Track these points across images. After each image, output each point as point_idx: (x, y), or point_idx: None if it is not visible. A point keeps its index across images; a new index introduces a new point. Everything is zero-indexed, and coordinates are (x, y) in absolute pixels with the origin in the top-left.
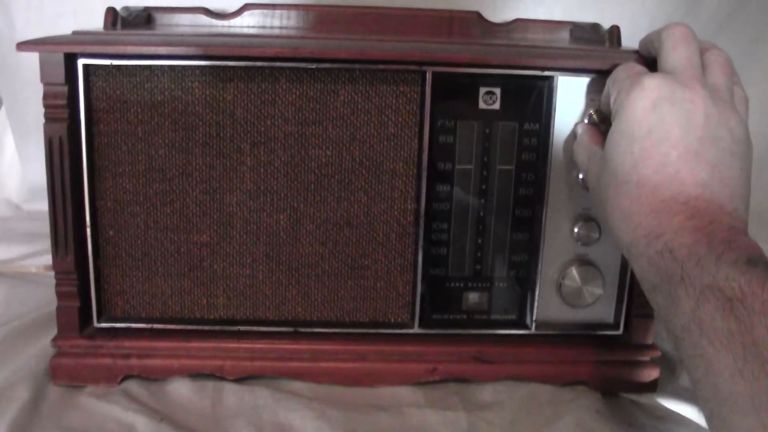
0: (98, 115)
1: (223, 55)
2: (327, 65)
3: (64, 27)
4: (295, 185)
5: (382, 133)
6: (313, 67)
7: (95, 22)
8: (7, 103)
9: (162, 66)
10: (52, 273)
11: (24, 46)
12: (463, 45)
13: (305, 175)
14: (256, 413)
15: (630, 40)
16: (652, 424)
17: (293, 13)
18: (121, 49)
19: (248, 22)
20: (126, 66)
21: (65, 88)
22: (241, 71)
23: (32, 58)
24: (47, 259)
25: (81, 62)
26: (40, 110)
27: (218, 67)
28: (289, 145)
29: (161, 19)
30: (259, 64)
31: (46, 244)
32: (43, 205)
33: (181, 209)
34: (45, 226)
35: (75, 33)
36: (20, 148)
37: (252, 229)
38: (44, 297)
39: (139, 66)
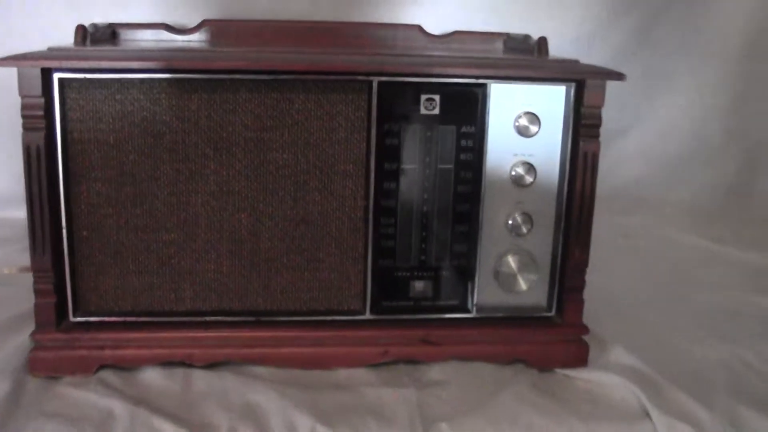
0: (72, 124)
1: (189, 69)
2: (283, 76)
3: (32, 42)
4: (255, 186)
5: (334, 138)
6: (270, 78)
7: (62, 36)
8: None
9: (132, 79)
10: (25, 274)
11: (3, 61)
12: (405, 57)
13: (264, 176)
14: (224, 395)
15: (556, 50)
16: (583, 396)
17: (249, 28)
18: (95, 64)
19: (206, 37)
20: (98, 79)
21: (42, 100)
22: (204, 83)
23: (1, 71)
24: (14, 263)
25: (56, 76)
26: (9, 121)
27: (184, 79)
28: (249, 149)
29: (125, 34)
30: (221, 76)
31: (12, 248)
32: (4, 213)
33: (150, 210)
34: (9, 233)
35: (51, 49)
36: None
37: (216, 227)
38: (16, 297)
39: (111, 79)
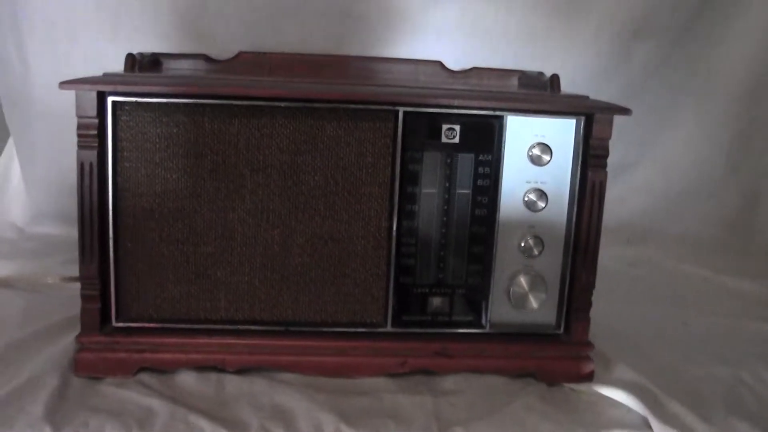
0: (122, 143)
1: (231, 95)
2: (317, 105)
3: (75, 67)
4: (287, 205)
5: (361, 162)
6: (305, 106)
7: (103, 63)
8: (16, 134)
9: (178, 103)
10: (65, 285)
11: (64, 84)
12: (429, 89)
13: (297, 196)
14: (255, 398)
15: (569, 86)
16: (589, 408)
17: (281, 59)
18: (146, 89)
19: (242, 68)
20: (147, 102)
21: (96, 121)
22: (244, 109)
23: (43, 96)
24: (56, 274)
25: (110, 99)
26: (47, 143)
27: (225, 105)
28: (283, 171)
29: (167, 63)
30: (260, 103)
31: (52, 261)
32: (44, 229)
33: (190, 225)
34: (48, 247)
35: (105, 74)
36: (26, 176)
37: (250, 242)
38: (59, 305)
39: (159, 103)
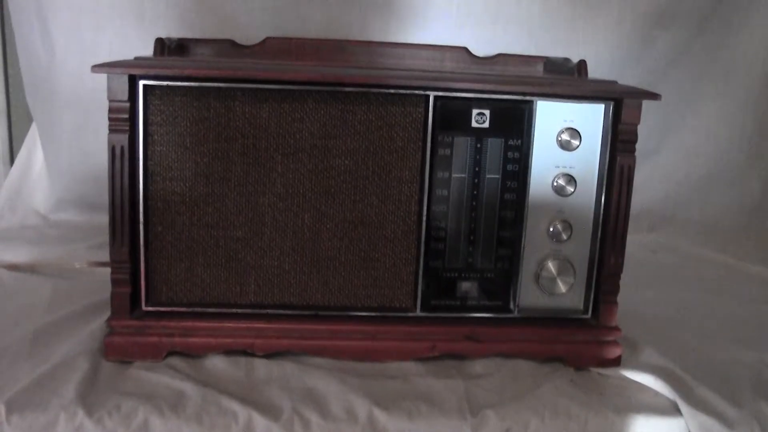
0: (153, 127)
1: (262, 79)
2: (347, 89)
3: (100, 54)
4: (318, 189)
5: (392, 146)
6: (336, 90)
7: (128, 50)
8: (39, 122)
9: (209, 87)
10: (92, 270)
11: (96, 68)
12: (459, 74)
13: (327, 181)
14: (285, 381)
15: (595, 72)
16: (617, 392)
17: (307, 45)
18: (177, 72)
19: (268, 53)
20: (178, 86)
21: (127, 105)
22: (275, 93)
23: (68, 83)
24: (82, 259)
25: (141, 83)
26: (72, 129)
27: (257, 89)
28: (314, 155)
29: (193, 48)
30: (291, 87)
31: (77, 246)
32: (68, 216)
33: (220, 209)
34: (71, 234)
35: (137, 58)
36: (50, 163)
37: (281, 226)
38: (86, 290)
39: (190, 87)
